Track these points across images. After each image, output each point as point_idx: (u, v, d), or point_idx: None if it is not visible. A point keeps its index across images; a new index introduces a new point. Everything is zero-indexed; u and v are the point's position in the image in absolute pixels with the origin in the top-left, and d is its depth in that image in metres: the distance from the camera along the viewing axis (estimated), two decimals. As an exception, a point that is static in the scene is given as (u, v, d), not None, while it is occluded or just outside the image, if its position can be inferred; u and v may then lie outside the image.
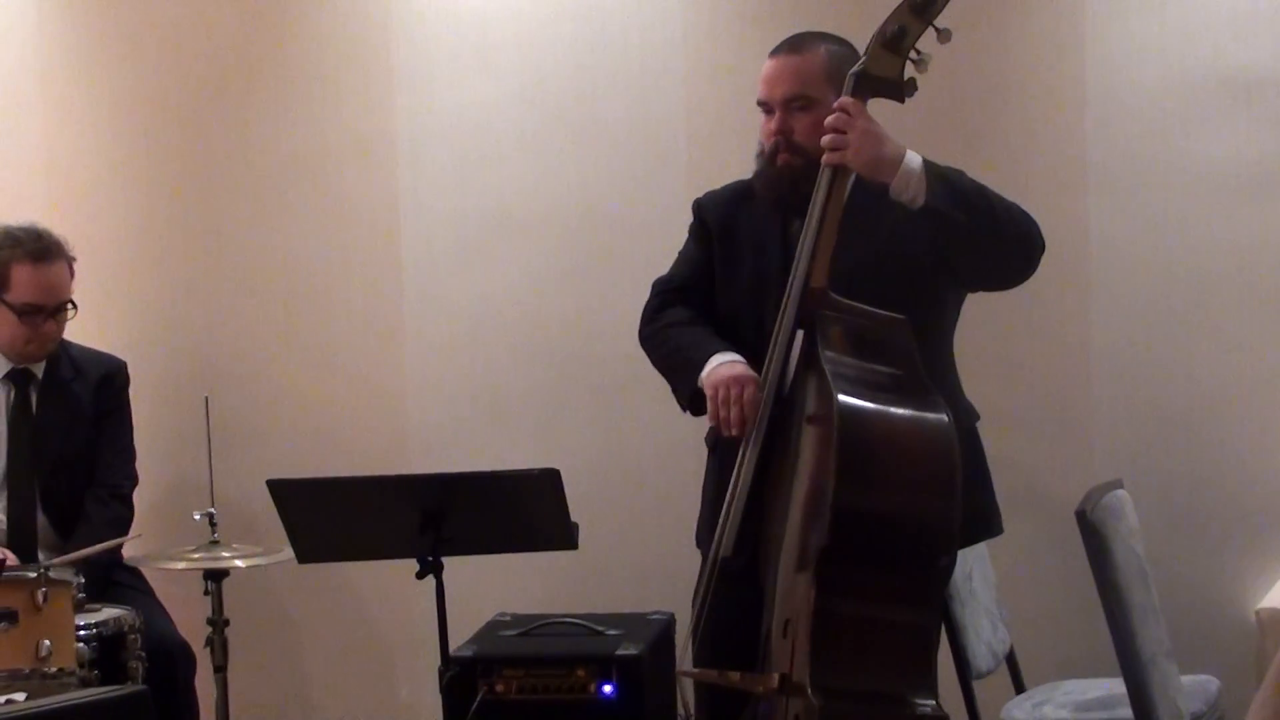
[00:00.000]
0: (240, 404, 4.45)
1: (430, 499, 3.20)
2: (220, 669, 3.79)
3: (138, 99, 4.53)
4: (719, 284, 3.06)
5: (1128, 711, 3.00)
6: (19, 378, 3.99)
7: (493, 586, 4.10)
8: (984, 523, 3.02)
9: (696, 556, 2.99)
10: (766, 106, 2.94)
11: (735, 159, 3.25)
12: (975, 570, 3.39)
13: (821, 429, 2.59)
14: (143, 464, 4.16)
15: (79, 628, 3.39)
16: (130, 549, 3.99)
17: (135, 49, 4.52)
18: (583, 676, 3.40)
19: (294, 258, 4.47)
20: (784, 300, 2.74)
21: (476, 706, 3.36)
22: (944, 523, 2.55)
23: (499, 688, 3.41)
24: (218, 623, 3.76)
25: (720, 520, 2.80)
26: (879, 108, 2.76)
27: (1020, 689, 3.59)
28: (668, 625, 3.70)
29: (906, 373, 2.64)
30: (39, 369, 4.01)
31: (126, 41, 4.53)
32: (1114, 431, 4.04)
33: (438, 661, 3.28)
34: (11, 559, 3.63)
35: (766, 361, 2.78)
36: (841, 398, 2.53)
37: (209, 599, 3.76)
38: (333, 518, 3.29)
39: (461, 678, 3.32)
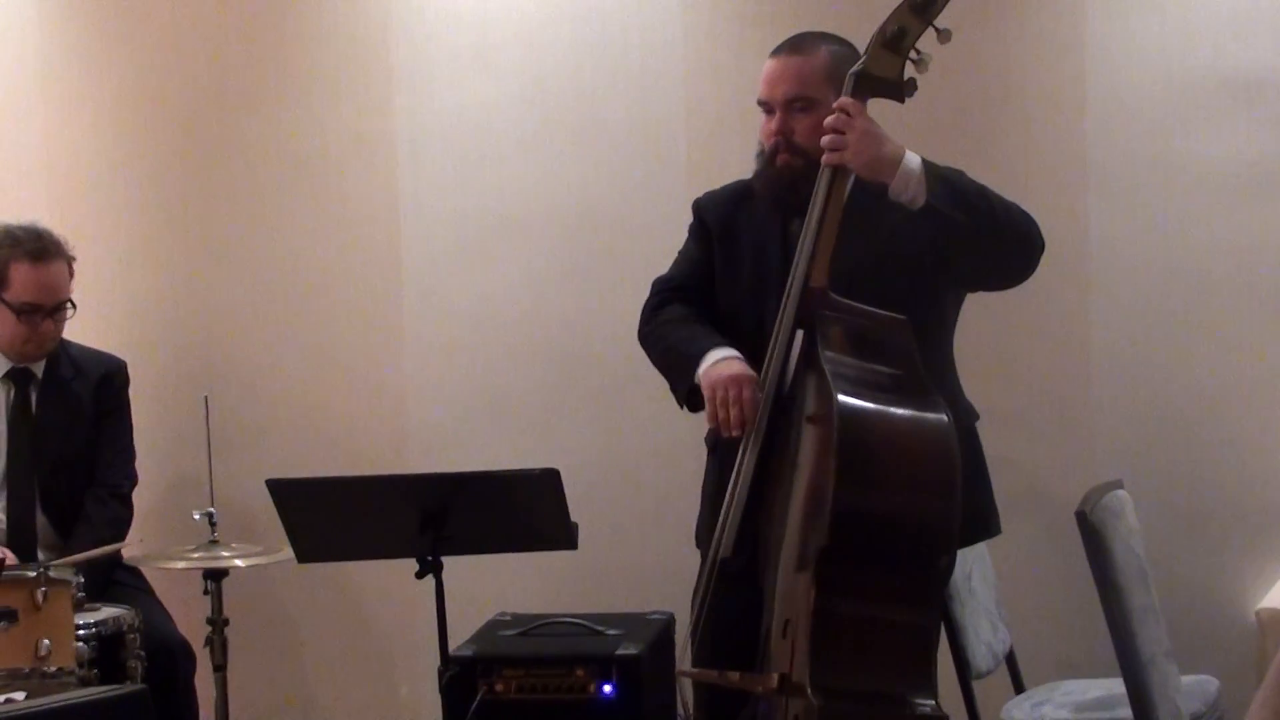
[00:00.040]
0: (240, 404, 4.45)
1: (430, 499, 3.20)
2: (220, 668, 3.79)
3: (138, 99, 4.53)
4: (719, 284, 3.06)
5: (1127, 712, 3.00)
6: (19, 377, 3.99)
7: (492, 586, 4.10)
8: (982, 523, 3.01)
9: (696, 556, 2.99)
10: (767, 106, 2.93)
11: (735, 159, 3.25)
12: (975, 570, 3.39)
13: (821, 429, 2.59)
14: (142, 463, 4.17)
15: (79, 627, 3.39)
16: (130, 548, 3.99)
17: (135, 49, 4.53)
18: (582, 676, 3.40)
19: (294, 257, 4.47)
20: (783, 300, 2.74)
21: (476, 706, 3.35)
22: (944, 523, 2.55)
23: (499, 687, 3.40)
24: (217, 622, 3.77)
25: (720, 520, 2.80)
26: (879, 108, 2.76)
27: (1020, 689, 3.59)
28: (667, 625, 3.70)
29: (906, 373, 2.64)
30: (39, 368, 4.01)
31: (126, 41, 4.53)
32: (1114, 431, 4.04)
33: (437, 661, 3.28)
34: (11, 558, 3.63)
35: (766, 361, 2.78)
36: (841, 398, 2.53)
37: (209, 598, 3.76)
38: (332, 517, 3.29)
39: (461, 677, 3.31)
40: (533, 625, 3.64)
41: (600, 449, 4.28)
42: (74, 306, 3.97)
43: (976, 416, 3.02)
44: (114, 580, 3.89)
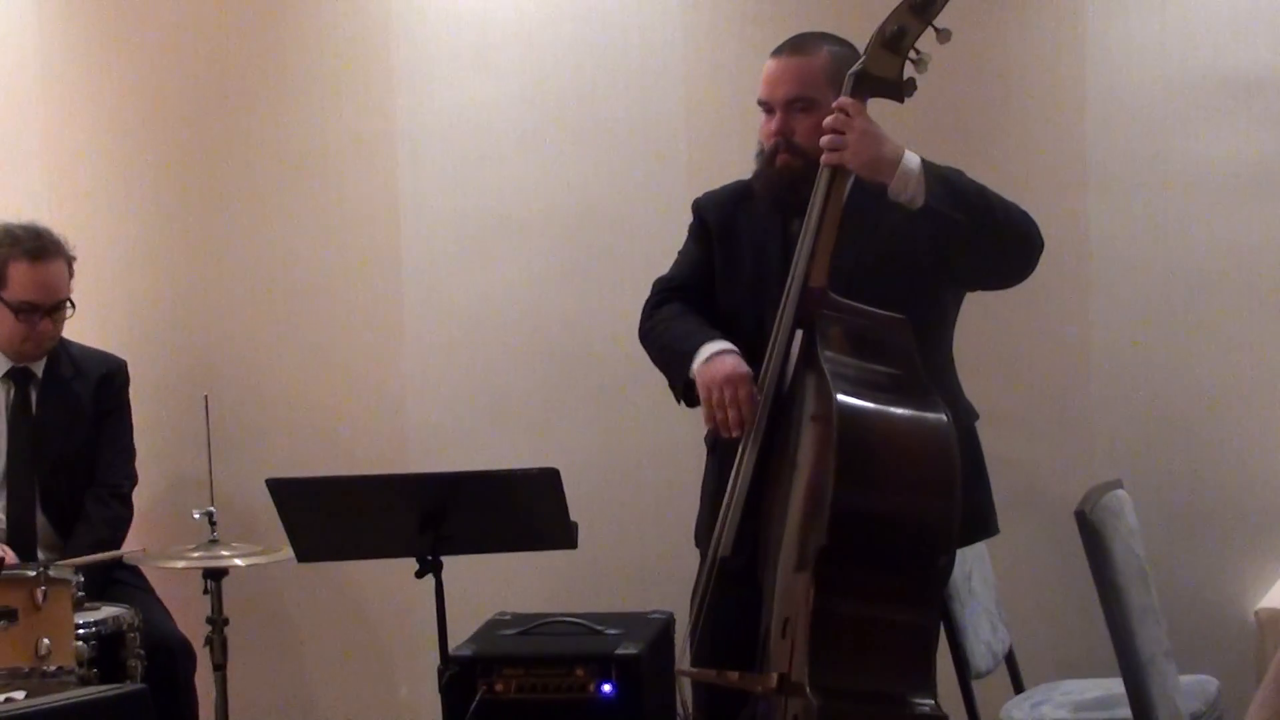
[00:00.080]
0: (240, 403, 4.45)
1: (430, 498, 3.20)
2: (220, 668, 3.79)
3: (138, 99, 4.53)
4: (719, 284, 3.06)
5: (1127, 711, 3.00)
6: (19, 376, 3.99)
7: (492, 586, 4.10)
8: (981, 523, 3.01)
9: (696, 556, 2.99)
10: (767, 107, 2.93)
11: (735, 159, 3.25)
12: (975, 570, 3.39)
13: (821, 429, 2.59)
14: (142, 463, 4.17)
15: (78, 626, 3.39)
16: (129, 547, 3.99)
17: (135, 49, 4.53)
18: (582, 676, 3.40)
19: (294, 257, 4.47)
20: (783, 300, 2.74)
21: (476, 706, 3.35)
22: (943, 522, 2.55)
23: (498, 687, 3.40)
24: (217, 621, 3.76)
25: (719, 520, 2.80)
26: (878, 108, 2.76)
27: (1019, 689, 3.59)
28: (667, 624, 3.70)
29: (906, 372, 2.64)
30: (39, 368, 4.01)
31: (127, 42, 4.53)
32: (1114, 431, 4.04)
33: (437, 660, 3.28)
34: (10, 556, 3.63)
35: (765, 361, 2.78)
36: (841, 397, 2.53)
37: (208, 598, 3.76)
38: (332, 517, 3.29)
39: (461, 677, 3.31)
40: (532, 625, 3.64)
41: (600, 448, 4.28)
42: (73, 306, 3.97)
43: (976, 416, 3.02)
44: (114, 579, 3.89)
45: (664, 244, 3.28)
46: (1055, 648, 3.96)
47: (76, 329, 4.08)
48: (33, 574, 3.24)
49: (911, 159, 2.71)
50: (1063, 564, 3.82)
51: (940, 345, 2.95)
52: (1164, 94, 4.00)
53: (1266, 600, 3.79)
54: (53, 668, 3.22)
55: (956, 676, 3.20)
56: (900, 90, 2.71)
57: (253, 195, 4.49)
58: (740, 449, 2.80)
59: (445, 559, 3.23)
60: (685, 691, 3.11)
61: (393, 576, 3.84)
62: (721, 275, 3.05)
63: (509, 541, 3.46)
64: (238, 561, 3.72)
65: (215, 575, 3.75)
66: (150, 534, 4.19)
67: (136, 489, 4.11)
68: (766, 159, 2.94)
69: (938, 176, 2.72)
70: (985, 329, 3.64)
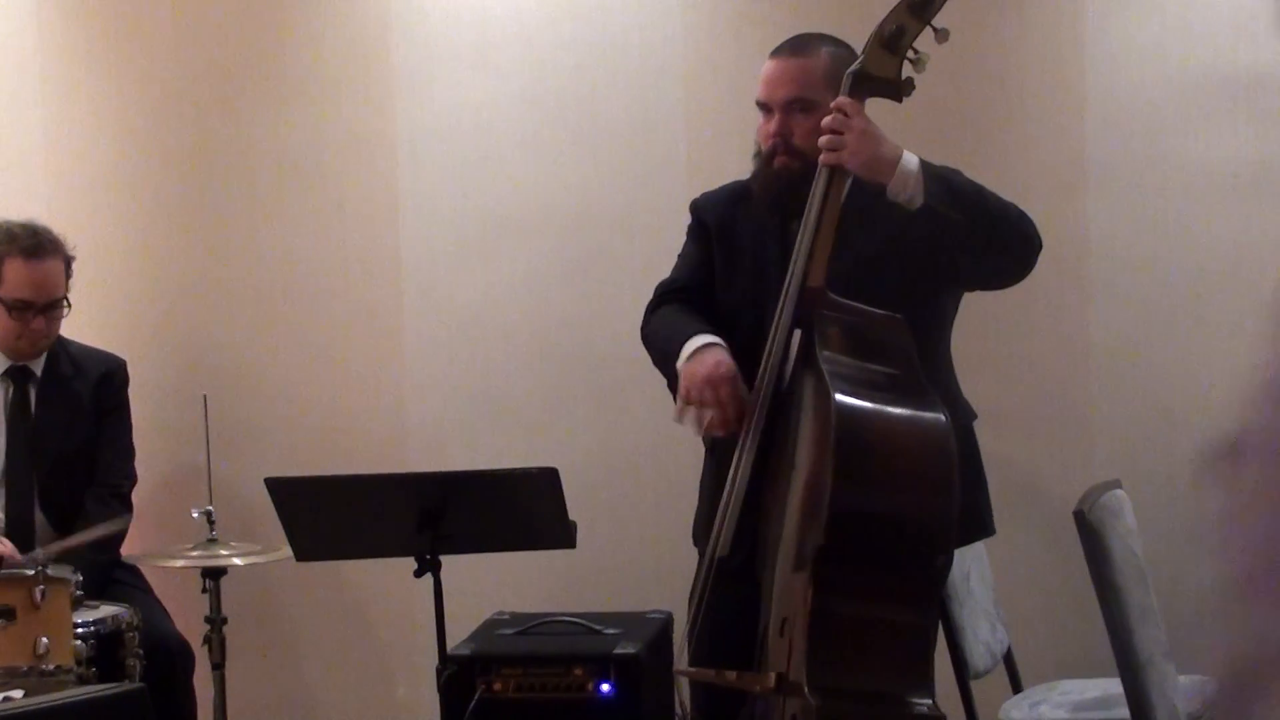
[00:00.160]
0: (239, 402, 4.45)
1: (428, 497, 3.20)
2: (218, 667, 3.79)
3: (138, 99, 4.53)
4: (719, 284, 3.06)
5: (1125, 711, 3.00)
6: (17, 375, 3.99)
7: (491, 585, 4.10)
8: (979, 522, 3.01)
9: (694, 555, 2.99)
10: (766, 108, 2.93)
11: (735, 159, 3.25)
12: (973, 570, 3.39)
13: (819, 428, 2.59)
14: (141, 462, 4.17)
15: (77, 625, 3.40)
16: (128, 547, 4.00)
17: (135, 49, 4.53)
18: (580, 675, 3.39)
19: (293, 256, 4.47)
20: (781, 299, 2.74)
21: (474, 705, 3.35)
22: (941, 522, 2.55)
23: (496, 686, 3.40)
24: (216, 621, 3.76)
25: (717, 519, 2.80)
26: (877, 107, 2.76)
27: (1018, 689, 3.59)
28: (665, 624, 3.70)
29: (904, 372, 2.64)
30: (38, 366, 4.01)
31: (126, 41, 4.53)
32: (1113, 431, 4.04)
33: (435, 660, 3.28)
34: (10, 548, 3.63)
35: (764, 361, 2.78)
36: (839, 397, 2.53)
37: (207, 597, 3.76)
38: (331, 516, 3.29)
39: (459, 676, 3.31)
40: (531, 624, 3.63)
41: (599, 448, 4.28)
42: (69, 305, 3.97)
43: (974, 416, 3.02)
44: (113, 579, 3.89)
45: (664, 244, 3.28)
46: (1054, 648, 3.96)
47: (76, 328, 4.08)
48: (31, 573, 3.25)
49: (910, 159, 2.71)
50: (1061, 564, 3.82)
51: (938, 345, 2.95)
52: (1164, 94, 4.00)
53: (1266, 601, 3.79)
54: (51, 667, 3.23)
55: (955, 676, 3.20)
56: (899, 90, 2.71)
57: (252, 195, 4.49)
58: (739, 448, 2.79)
59: (444, 558, 3.23)
60: (684, 691, 3.11)
61: (391, 576, 3.84)
62: (721, 275, 3.05)
63: (508, 541, 3.46)
64: (236, 561, 3.73)
65: (214, 574, 3.75)
66: (149, 533, 4.19)
67: (135, 488, 4.11)
68: (765, 160, 2.94)
69: (936, 176, 2.72)
70: (984, 329, 3.64)
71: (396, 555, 3.33)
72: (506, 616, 3.77)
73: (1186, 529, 3.99)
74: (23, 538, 3.87)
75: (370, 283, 4.43)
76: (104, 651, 3.52)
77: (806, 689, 2.50)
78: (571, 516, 3.24)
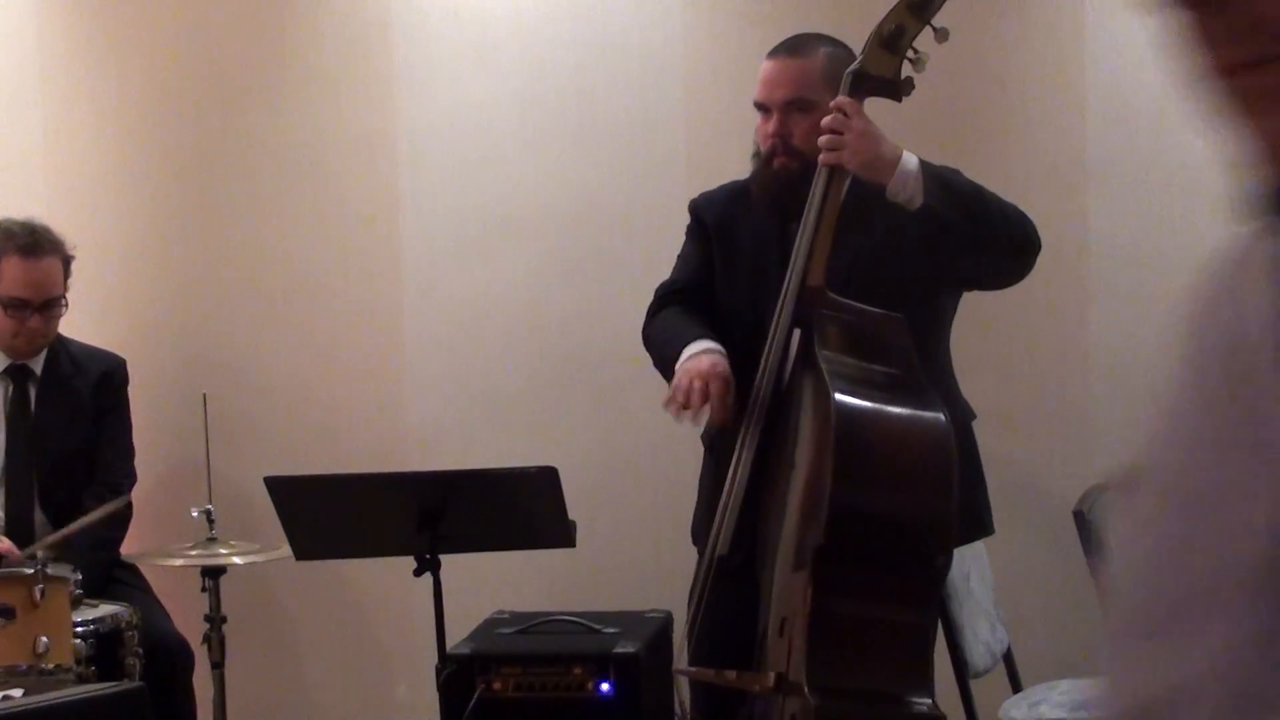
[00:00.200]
0: (238, 401, 4.45)
1: (428, 496, 3.20)
2: (218, 666, 3.79)
3: (138, 98, 4.53)
4: (719, 283, 3.06)
5: (1124, 711, 3.00)
6: (17, 374, 3.99)
7: (490, 584, 4.10)
8: (978, 522, 3.02)
9: (694, 554, 2.99)
10: (764, 108, 2.93)
11: (735, 159, 3.25)
12: (973, 570, 3.39)
13: (818, 428, 2.59)
14: (141, 460, 4.17)
15: (76, 624, 3.39)
16: (128, 546, 3.99)
17: (135, 48, 4.53)
18: (580, 674, 3.39)
19: (293, 255, 4.47)
20: (781, 299, 2.74)
21: (473, 704, 3.35)
22: (940, 522, 2.55)
23: (496, 685, 3.40)
24: (215, 620, 3.76)
25: (716, 518, 2.80)
26: (877, 107, 2.76)
27: (1018, 688, 3.59)
28: (665, 623, 3.70)
29: (903, 371, 2.64)
30: (38, 365, 4.01)
31: (127, 41, 4.53)
32: (1113, 431, 4.03)
33: (435, 659, 3.28)
34: (9, 546, 3.63)
35: (763, 360, 2.78)
36: (838, 396, 2.53)
37: (206, 596, 3.76)
38: (330, 515, 3.29)
39: (459, 675, 3.31)
40: (530, 623, 3.63)
41: (599, 447, 4.28)
42: (66, 305, 3.96)
43: (973, 416, 3.02)
44: (112, 578, 3.89)
45: (664, 244, 3.28)
46: (1054, 647, 3.95)
47: (75, 327, 4.08)
48: (31, 571, 3.25)
49: (910, 159, 2.71)
50: (1061, 563, 3.82)
51: (938, 344, 2.95)
52: (1164, 94, 3.99)
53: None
54: (50, 666, 3.23)
55: (955, 676, 3.20)
56: (898, 90, 2.71)
57: (252, 194, 4.49)
58: (738, 447, 2.80)
59: (443, 557, 3.23)
60: (683, 690, 3.10)
61: (391, 575, 3.84)
62: (720, 275, 3.05)
63: (507, 540, 3.46)
64: (236, 560, 3.72)
65: (213, 573, 3.75)
66: (148, 532, 4.19)
67: (135, 486, 4.11)
68: (764, 161, 2.94)
69: (935, 176, 2.72)
70: (984, 328, 3.64)
71: (396, 554, 3.33)
72: (506, 616, 3.77)
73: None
74: (23, 537, 3.87)
75: (370, 282, 4.43)
76: (103, 650, 3.51)
77: (806, 688, 2.50)
78: (571, 516, 3.24)
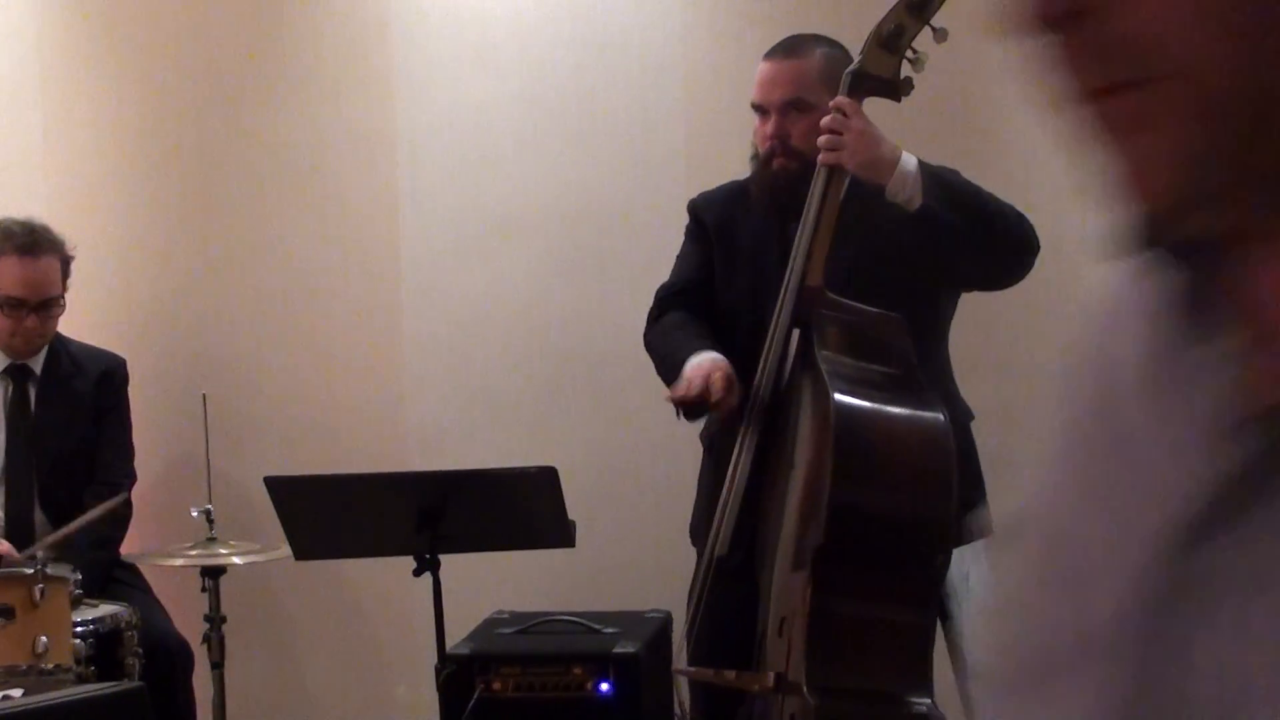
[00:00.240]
0: (238, 401, 4.45)
1: (428, 496, 3.20)
2: (217, 666, 3.78)
3: (137, 98, 4.53)
4: (718, 283, 3.06)
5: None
6: (17, 373, 3.99)
7: (490, 584, 4.10)
8: (976, 522, 3.02)
9: (693, 554, 3.00)
10: (762, 110, 2.93)
11: (735, 159, 3.25)
12: (973, 570, 3.39)
13: (818, 427, 2.59)
14: (140, 460, 4.17)
15: (76, 624, 3.39)
16: (127, 546, 3.99)
17: (135, 48, 4.53)
18: (579, 674, 3.39)
19: (293, 255, 4.48)
20: (780, 299, 2.75)
21: (473, 704, 3.35)
22: (940, 521, 2.56)
23: (495, 685, 3.40)
24: (215, 619, 3.76)
25: (716, 518, 2.80)
26: (876, 107, 2.76)
27: (1017, 689, 3.59)
28: (665, 623, 3.70)
29: (902, 371, 2.65)
30: (37, 365, 4.01)
31: (126, 41, 4.53)
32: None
33: (434, 659, 3.28)
34: (8, 548, 3.63)
35: (762, 360, 2.78)
36: (837, 397, 2.53)
37: (206, 596, 3.76)
38: (330, 515, 3.29)
39: (458, 675, 3.31)
40: (530, 623, 3.63)
41: (598, 447, 4.28)
42: (64, 305, 3.96)
43: (972, 416, 3.02)
44: (112, 578, 3.89)
45: (664, 244, 3.28)
46: (1053, 648, 3.95)
47: (75, 326, 4.08)
48: (30, 571, 3.25)
49: (909, 160, 2.71)
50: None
51: (937, 344, 2.95)
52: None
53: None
54: (50, 665, 3.23)
55: (954, 676, 3.20)
56: (897, 90, 2.72)
57: (252, 194, 4.49)
58: (737, 447, 2.80)
59: (443, 557, 3.23)
60: (682, 690, 3.10)
61: (390, 575, 3.84)
62: (720, 275, 3.06)
63: (507, 540, 3.46)
64: (235, 559, 3.72)
65: (213, 573, 3.75)
66: (148, 532, 4.19)
67: (134, 486, 4.11)
68: (763, 162, 2.94)
69: (935, 177, 2.72)
70: (983, 328, 3.64)
71: (396, 554, 3.33)
72: (506, 615, 3.77)
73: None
74: (23, 537, 3.88)
75: (370, 282, 4.43)
76: (103, 650, 3.52)
77: (805, 688, 2.50)
78: (571, 516, 3.24)
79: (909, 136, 2.81)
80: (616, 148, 4.29)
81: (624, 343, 3.28)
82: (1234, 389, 0.61)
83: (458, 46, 4.37)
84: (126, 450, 4.12)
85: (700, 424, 3.03)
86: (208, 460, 3.98)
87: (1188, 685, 0.58)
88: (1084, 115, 0.61)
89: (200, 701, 3.90)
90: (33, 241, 3.91)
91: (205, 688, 3.85)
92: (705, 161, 4.08)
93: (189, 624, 3.92)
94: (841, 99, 2.71)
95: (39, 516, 3.95)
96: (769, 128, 2.90)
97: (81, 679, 3.29)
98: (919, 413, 2.59)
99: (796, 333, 2.73)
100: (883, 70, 2.70)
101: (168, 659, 3.76)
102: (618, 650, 3.42)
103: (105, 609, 3.60)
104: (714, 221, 3.07)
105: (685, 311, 3.06)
